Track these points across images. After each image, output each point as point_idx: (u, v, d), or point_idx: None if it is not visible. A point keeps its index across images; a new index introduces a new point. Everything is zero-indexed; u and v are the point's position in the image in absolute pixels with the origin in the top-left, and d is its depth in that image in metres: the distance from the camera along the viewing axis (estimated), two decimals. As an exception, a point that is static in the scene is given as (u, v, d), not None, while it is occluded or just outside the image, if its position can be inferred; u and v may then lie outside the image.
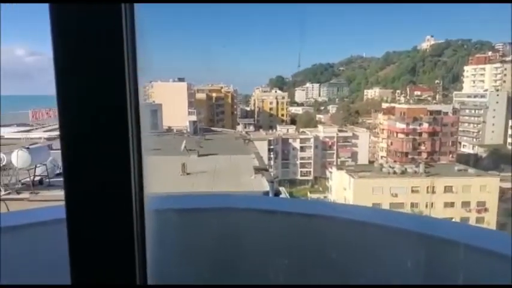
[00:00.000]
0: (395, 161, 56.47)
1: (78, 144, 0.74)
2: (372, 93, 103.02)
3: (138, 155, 0.76)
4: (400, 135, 63.69)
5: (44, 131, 31.37)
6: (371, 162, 57.55)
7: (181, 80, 52.24)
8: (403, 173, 43.50)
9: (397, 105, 70.43)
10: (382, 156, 66.66)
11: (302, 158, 66.03)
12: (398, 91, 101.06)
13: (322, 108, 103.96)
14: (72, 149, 0.74)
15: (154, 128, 29.63)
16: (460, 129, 68.87)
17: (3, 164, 13.54)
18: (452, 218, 33.17)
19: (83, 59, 0.71)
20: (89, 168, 0.74)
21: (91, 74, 0.72)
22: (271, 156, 59.12)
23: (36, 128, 33.40)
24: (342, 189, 44.41)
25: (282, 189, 38.95)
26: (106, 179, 0.75)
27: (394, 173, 43.47)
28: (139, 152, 0.76)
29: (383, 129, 69.18)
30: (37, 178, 14.58)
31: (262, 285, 1.95)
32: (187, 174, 15.62)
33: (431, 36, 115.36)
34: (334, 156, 66.49)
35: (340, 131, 69.74)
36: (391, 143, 65.61)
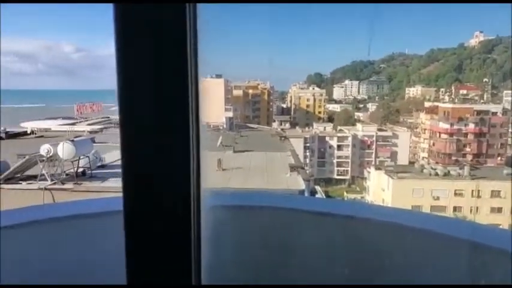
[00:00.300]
0: (437, 163, 54.16)
1: (138, 140, 0.74)
2: (413, 91, 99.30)
3: (197, 151, 0.76)
4: (444, 136, 60.99)
5: (88, 124, 32.82)
6: (411, 163, 55.48)
7: (218, 76, 52.78)
8: (446, 175, 41.62)
9: (440, 104, 67.48)
10: (423, 157, 64.20)
11: (339, 157, 64.83)
12: (442, 90, 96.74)
13: (361, 106, 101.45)
14: (132, 145, 0.75)
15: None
16: (510, 130, 64.87)
17: (50, 155, 14.19)
18: (499, 225, 31.33)
19: (147, 57, 0.73)
20: (148, 165, 0.74)
21: (154, 71, 0.73)
22: (307, 154, 58.51)
23: (80, 122, 34.98)
24: (380, 190, 43.20)
25: (317, 188, 38.46)
26: (165, 175, 0.74)
27: (436, 174, 41.68)
28: (198, 148, 0.76)
29: (425, 129, 66.61)
30: (80, 169, 15.18)
31: (315, 286, 1.90)
32: (223, 169, 15.70)
33: (480, 32, 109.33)
34: (373, 155, 64.74)
35: (379, 130, 67.76)
36: (433, 144, 63.01)
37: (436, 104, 69.86)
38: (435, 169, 42.95)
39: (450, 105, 65.10)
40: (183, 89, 0.73)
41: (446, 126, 60.76)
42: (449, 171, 42.05)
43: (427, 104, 72.01)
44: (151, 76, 0.73)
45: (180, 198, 0.74)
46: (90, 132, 27.94)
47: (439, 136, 61.76)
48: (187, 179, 0.74)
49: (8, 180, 14.09)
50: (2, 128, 27.75)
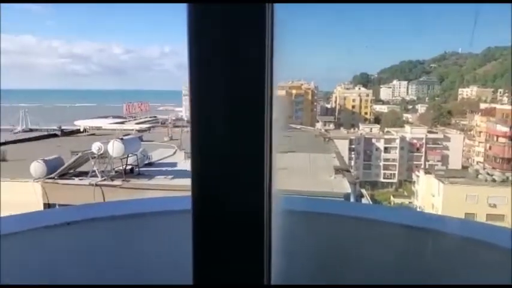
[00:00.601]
0: (494, 168, 50.66)
1: (210, 143, 0.72)
2: (467, 92, 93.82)
3: (270, 155, 0.75)
4: (502, 139, 57.00)
5: (136, 123, 34.02)
6: (464, 168, 52.39)
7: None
8: (504, 181, 38.81)
9: (498, 106, 63.27)
10: (478, 162, 60.37)
11: (386, 160, 62.64)
12: (500, 90, 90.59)
13: (410, 107, 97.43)
14: (204, 148, 0.73)
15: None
16: None
17: (101, 152, 14.75)
18: None
19: (223, 59, 0.71)
20: (220, 167, 0.73)
21: (230, 73, 0.72)
22: (353, 156, 57.07)
23: (129, 120, 36.38)
24: (430, 195, 41.18)
25: (363, 191, 37.32)
26: (238, 178, 0.73)
27: (493, 180, 38.97)
28: (271, 152, 0.75)
29: (480, 132, 62.70)
30: (128, 167, 15.65)
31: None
32: (266, 170, 15.55)
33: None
34: (422, 159, 61.94)
35: (429, 132, 64.71)
36: (490, 148, 59.11)
37: (493, 105, 65.66)
38: (492, 175, 40.22)
39: (510, 107, 60.86)
40: (260, 92, 0.71)
41: (505, 129, 56.81)
42: (508, 178, 39.26)
43: (482, 106, 67.90)
44: (227, 78, 0.72)
45: (253, 201, 0.73)
46: (138, 130, 28.90)
47: (497, 140, 57.89)
48: (260, 183, 0.72)
49: (62, 176, 14.81)
50: (57, 126, 29.58)
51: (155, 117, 40.49)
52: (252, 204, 0.72)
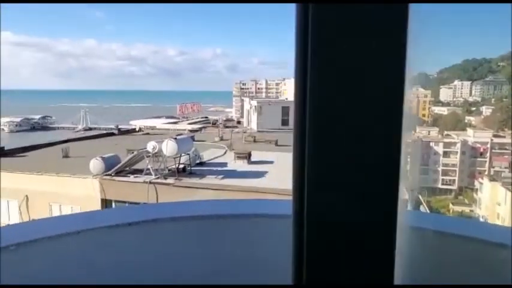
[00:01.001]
0: None
1: (331, 145, 0.66)
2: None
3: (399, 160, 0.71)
4: None
5: (188, 123, 34.85)
6: (536, 176, 47.88)
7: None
8: None
9: None
10: (552, 170, 54.98)
11: (445, 165, 58.92)
12: None
13: (473, 109, 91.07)
14: (322, 146, 0.66)
15: (285, 124, 30.04)
16: None
17: (156, 151, 15.13)
18: None
19: (349, 65, 0.66)
20: (342, 169, 0.66)
21: (365, 77, 0.67)
22: (408, 160, 54.36)
23: (182, 121, 37.39)
24: (495, 204, 38.16)
25: (420, 197, 35.34)
26: (366, 182, 0.68)
27: None
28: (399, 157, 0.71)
29: (555, 137, 57.08)
30: (181, 166, 15.92)
31: None
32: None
33: None
34: (487, 165, 57.47)
35: (495, 136, 59.87)
36: None
37: None
38: None
39: None
40: (399, 92, 0.67)
41: None
42: None
43: (558, 108, 61.68)
44: (361, 76, 0.66)
45: (382, 212, 0.69)
46: (190, 130, 29.55)
47: None
48: (394, 193, 0.69)
49: (119, 173, 15.38)
50: (114, 125, 31.13)
51: (206, 117, 41.35)
52: (379, 215, 0.67)
